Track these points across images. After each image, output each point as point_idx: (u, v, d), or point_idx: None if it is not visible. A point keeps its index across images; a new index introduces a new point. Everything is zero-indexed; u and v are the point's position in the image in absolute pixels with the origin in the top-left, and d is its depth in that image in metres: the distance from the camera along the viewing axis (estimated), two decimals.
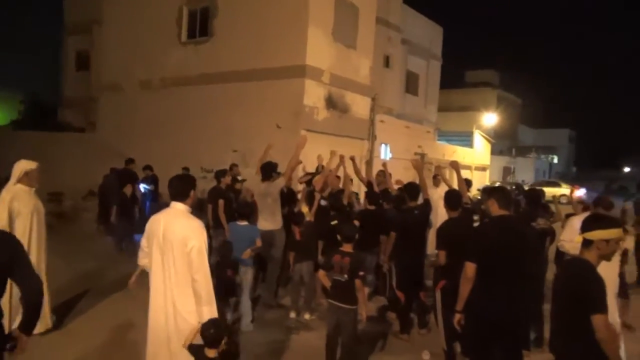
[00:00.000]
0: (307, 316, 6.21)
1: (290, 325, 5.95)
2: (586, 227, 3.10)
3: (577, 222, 5.41)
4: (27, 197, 5.06)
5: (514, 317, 3.62)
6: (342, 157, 8.06)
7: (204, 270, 3.35)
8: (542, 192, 7.38)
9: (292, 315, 6.18)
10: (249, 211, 5.69)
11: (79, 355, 4.84)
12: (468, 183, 9.17)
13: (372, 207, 6.87)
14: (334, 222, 6.38)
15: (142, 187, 11.57)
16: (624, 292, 6.04)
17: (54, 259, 5.47)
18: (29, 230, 5.02)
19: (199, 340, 3.25)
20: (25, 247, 4.89)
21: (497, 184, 26.41)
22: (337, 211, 6.90)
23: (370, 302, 6.58)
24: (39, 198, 5.27)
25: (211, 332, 3.20)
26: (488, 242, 3.80)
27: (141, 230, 3.65)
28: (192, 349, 3.27)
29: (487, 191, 4.85)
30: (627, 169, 73.58)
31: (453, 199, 5.00)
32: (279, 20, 13.25)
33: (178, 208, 3.45)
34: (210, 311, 3.37)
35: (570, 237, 5.32)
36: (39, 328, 5.05)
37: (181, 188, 3.49)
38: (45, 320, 5.29)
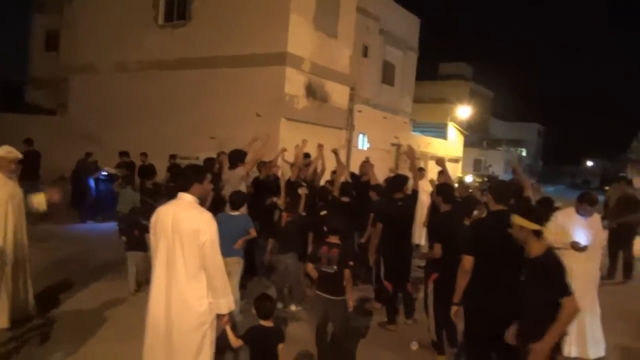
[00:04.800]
0: (293, 307, 6.19)
1: (278, 316, 5.92)
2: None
3: (561, 217, 5.55)
4: (1, 183, 4.88)
5: (515, 308, 3.68)
6: (320, 147, 8.16)
7: (218, 262, 3.29)
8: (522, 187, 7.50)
9: (279, 306, 6.14)
10: (240, 200, 5.58)
11: (66, 345, 4.69)
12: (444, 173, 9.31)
13: (346, 199, 6.95)
14: (323, 213, 6.36)
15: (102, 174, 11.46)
16: None
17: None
18: (4, 217, 4.86)
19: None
20: (2, 234, 4.79)
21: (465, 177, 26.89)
22: (326, 202, 6.88)
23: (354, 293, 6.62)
24: (17, 184, 5.09)
25: (268, 304, 3.65)
26: (486, 236, 3.84)
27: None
28: (249, 335, 3.58)
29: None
30: (589, 164, 75.83)
31: (447, 192, 5.03)
32: (260, 6, 13.04)
33: (186, 199, 3.36)
34: (227, 302, 3.33)
35: (554, 230, 5.44)
36: (4, 323, 4.90)
37: (189, 179, 3.40)
38: (26, 308, 5.17)
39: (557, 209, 6.48)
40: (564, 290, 3.14)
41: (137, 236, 6.43)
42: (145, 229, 6.07)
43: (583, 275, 5.21)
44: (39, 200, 5.20)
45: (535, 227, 3.32)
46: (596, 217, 5.48)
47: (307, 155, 8.99)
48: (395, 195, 6.02)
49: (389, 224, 5.88)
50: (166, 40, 14.78)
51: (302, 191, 6.86)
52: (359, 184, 7.96)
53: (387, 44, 22.40)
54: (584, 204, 5.36)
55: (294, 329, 5.59)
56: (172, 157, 12.10)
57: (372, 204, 6.89)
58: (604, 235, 6.02)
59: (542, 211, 4.26)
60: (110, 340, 4.90)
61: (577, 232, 5.31)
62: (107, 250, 8.46)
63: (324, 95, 14.50)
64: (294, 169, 7.87)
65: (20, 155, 5.08)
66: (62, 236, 9.53)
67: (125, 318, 5.44)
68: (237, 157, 6.89)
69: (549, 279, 3.20)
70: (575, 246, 5.23)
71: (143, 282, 6.37)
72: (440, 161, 6.47)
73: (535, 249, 3.33)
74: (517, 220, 3.39)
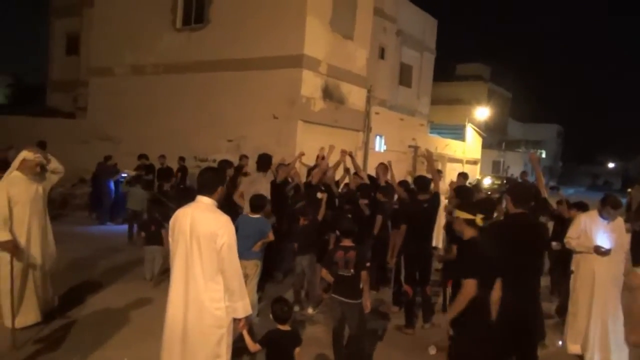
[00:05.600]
0: (310, 310, 6.17)
1: (295, 319, 5.91)
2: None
3: (583, 219, 5.43)
4: (25, 185, 5.03)
5: (536, 311, 3.62)
6: (342, 153, 8.11)
7: (235, 266, 3.28)
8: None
9: (296, 309, 6.12)
10: (261, 204, 5.61)
11: (86, 345, 4.74)
12: (465, 176, 9.24)
13: (365, 201, 6.91)
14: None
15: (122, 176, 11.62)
16: None
17: None
18: (28, 219, 4.99)
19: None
20: (25, 235, 4.90)
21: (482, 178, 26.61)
22: (353, 205, 6.85)
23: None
24: (40, 185, 5.18)
25: (285, 308, 3.62)
26: (506, 240, 3.78)
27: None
28: (266, 339, 3.55)
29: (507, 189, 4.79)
30: (611, 165, 74.55)
31: (464, 194, 4.97)
32: (276, 9, 13.07)
33: (205, 202, 3.36)
34: (244, 306, 3.32)
35: (576, 234, 5.34)
36: (33, 318, 5.00)
37: (210, 182, 3.40)
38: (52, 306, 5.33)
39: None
40: (467, 272, 3.48)
41: (153, 231, 6.98)
42: (161, 225, 6.80)
43: (606, 280, 5.11)
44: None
45: (468, 216, 3.76)
46: (619, 221, 5.35)
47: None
48: (420, 196, 5.96)
49: (412, 225, 5.83)
50: (184, 44, 14.90)
51: (322, 195, 6.84)
52: (376, 186, 7.91)
53: (404, 45, 22.31)
54: (607, 207, 5.23)
55: (311, 332, 5.57)
56: (181, 159, 12.16)
57: (400, 205, 6.85)
58: (627, 238, 5.89)
59: (483, 205, 4.72)
60: (130, 341, 4.93)
61: (600, 235, 5.20)
62: (125, 251, 8.55)
63: (340, 97, 14.47)
64: (317, 173, 7.70)
65: (44, 161, 5.17)
66: (81, 237, 9.65)
67: (145, 319, 5.48)
68: (265, 162, 7.15)
69: (462, 260, 3.52)
70: (598, 250, 5.12)
71: (160, 273, 6.85)
72: (428, 155, 6.42)
73: (466, 234, 3.75)
74: (456, 212, 3.91)
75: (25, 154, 5.03)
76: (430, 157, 6.28)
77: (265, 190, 6.68)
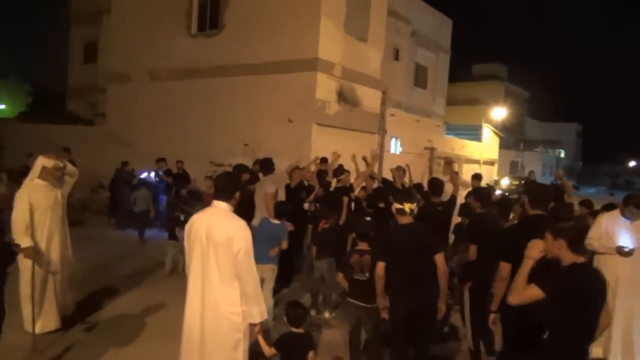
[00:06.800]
0: (327, 314, 6.15)
1: (312, 322, 5.90)
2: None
3: (605, 220, 5.33)
4: (45, 191, 5.12)
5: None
6: (353, 158, 8.15)
7: (252, 271, 3.29)
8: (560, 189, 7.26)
9: (312, 313, 6.12)
10: (284, 211, 5.65)
11: (106, 350, 4.79)
12: (478, 177, 9.13)
13: (381, 205, 6.87)
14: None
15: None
16: None
17: None
18: (48, 224, 5.06)
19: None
20: (45, 241, 4.98)
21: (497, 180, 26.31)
22: (376, 209, 6.82)
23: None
24: (59, 192, 5.25)
25: (299, 311, 3.70)
26: (523, 243, 3.71)
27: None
28: (280, 342, 3.61)
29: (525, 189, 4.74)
30: (632, 163, 73.17)
31: (485, 196, 4.92)
32: (290, 13, 13.10)
33: (221, 207, 3.37)
34: (260, 311, 3.32)
35: (597, 235, 5.24)
36: (53, 324, 5.06)
37: (227, 187, 3.41)
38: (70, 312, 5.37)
39: (597, 211, 6.25)
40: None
41: (172, 228, 7.65)
42: (180, 223, 7.21)
43: (629, 281, 5.00)
44: None
45: (398, 206, 4.27)
46: None
47: (324, 160, 8.97)
48: (434, 199, 5.91)
49: None
50: (199, 49, 15.00)
51: (345, 199, 6.83)
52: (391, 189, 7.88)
53: (419, 46, 22.18)
54: (630, 207, 5.11)
55: (327, 336, 5.55)
56: (179, 162, 12.09)
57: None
58: None
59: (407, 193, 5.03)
60: (148, 345, 4.98)
61: (623, 236, 5.08)
62: (142, 256, 8.64)
63: (355, 99, 14.44)
64: (297, 174, 7.67)
65: (61, 164, 5.24)
66: (99, 242, 9.75)
67: (162, 322, 5.53)
68: (267, 165, 7.19)
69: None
70: (621, 250, 5.01)
71: (178, 267, 7.51)
72: (448, 162, 6.38)
73: (401, 221, 4.33)
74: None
75: (43, 161, 5.10)
76: (449, 163, 6.24)
77: (266, 192, 6.70)
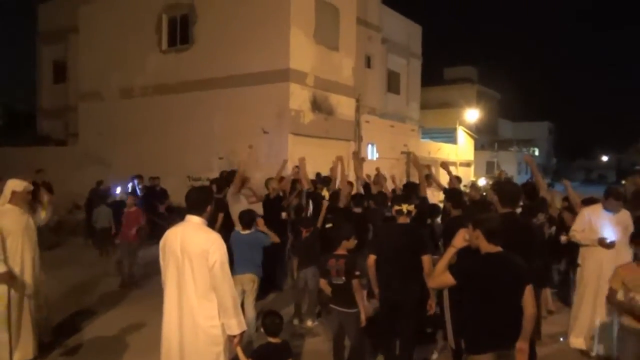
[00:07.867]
0: (309, 323, 6.15)
1: (295, 331, 5.90)
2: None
3: (587, 213, 5.46)
4: (16, 216, 4.99)
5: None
6: (340, 159, 8.19)
7: (228, 282, 3.29)
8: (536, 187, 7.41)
9: (295, 322, 6.12)
10: (249, 219, 5.61)
11: None
12: (458, 179, 9.26)
13: (359, 210, 6.93)
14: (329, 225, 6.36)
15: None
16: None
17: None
18: (20, 249, 4.95)
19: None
20: (19, 265, 4.88)
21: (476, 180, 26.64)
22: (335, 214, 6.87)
23: (368, 304, 6.57)
24: (30, 216, 5.17)
25: (275, 321, 3.69)
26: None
27: None
28: (257, 353, 3.65)
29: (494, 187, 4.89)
30: (604, 158, 74.88)
31: (456, 197, 5.00)
32: (260, 25, 13.15)
33: (194, 221, 3.38)
34: (238, 322, 3.31)
35: (581, 227, 5.37)
36: (31, 353, 4.95)
37: (199, 201, 3.42)
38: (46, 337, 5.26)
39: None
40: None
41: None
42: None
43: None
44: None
45: (397, 208, 4.63)
46: (624, 213, 5.32)
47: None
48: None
49: None
50: (170, 65, 14.95)
51: (324, 204, 6.85)
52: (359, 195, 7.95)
53: (390, 52, 22.46)
54: (610, 199, 5.24)
55: (311, 345, 5.55)
56: (138, 177, 11.84)
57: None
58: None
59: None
60: None
61: (605, 228, 5.21)
62: (119, 276, 8.52)
63: (329, 108, 14.53)
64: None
65: (31, 187, 5.16)
66: (75, 264, 9.60)
67: (142, 341, 5.47)
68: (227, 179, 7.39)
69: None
70: (603, 242, 5.13)
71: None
72: (445, 165, 6.47)
73: (399, 221, 4.67)
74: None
75: (13, 185, 5.00)
76: (415, 161, 6.32)
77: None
